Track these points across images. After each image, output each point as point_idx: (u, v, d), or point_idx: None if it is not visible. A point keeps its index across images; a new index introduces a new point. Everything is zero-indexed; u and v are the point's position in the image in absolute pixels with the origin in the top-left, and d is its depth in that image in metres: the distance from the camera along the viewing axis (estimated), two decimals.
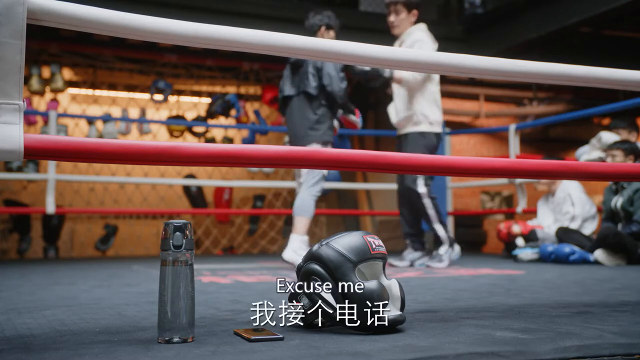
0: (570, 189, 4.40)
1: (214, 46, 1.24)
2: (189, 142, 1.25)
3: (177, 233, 1.16)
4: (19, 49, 0.99)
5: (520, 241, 4.53)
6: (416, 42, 3.69)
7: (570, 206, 4.35)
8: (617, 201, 4.04)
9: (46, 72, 6.49)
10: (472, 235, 7.74)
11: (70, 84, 6.84)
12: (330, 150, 1.41)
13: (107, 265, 4.22)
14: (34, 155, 1.06)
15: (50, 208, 4.69)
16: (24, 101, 1.02)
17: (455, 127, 7.69)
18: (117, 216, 7.15)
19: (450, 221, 6.21)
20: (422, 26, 3.83)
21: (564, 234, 4.19)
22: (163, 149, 1.20)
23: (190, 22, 1.21)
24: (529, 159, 5.97)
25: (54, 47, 6.22)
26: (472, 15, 6.63)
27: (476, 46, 6.46)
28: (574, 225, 4.31)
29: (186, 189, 7.19)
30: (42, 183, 5.83)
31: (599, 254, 3.82)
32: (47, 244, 6.37)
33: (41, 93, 6.44)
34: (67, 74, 6.81)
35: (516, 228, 4.54)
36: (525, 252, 4.23)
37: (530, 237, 4.42)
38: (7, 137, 1.00)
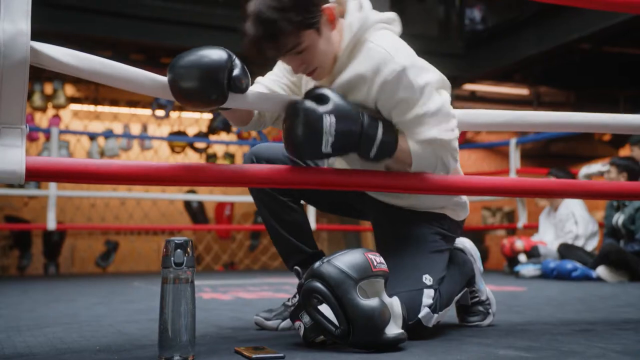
0: (573, 207, 4.39)
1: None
2: (190, 162, 1.26)
3: (178, 250, 1.16)
4: (22, 76, 1.00)
5: (522, 257, 4.51)
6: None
7: (573, 225, 4.33)
8: (619, 218, 4.03)
9: (49, 88, 6.52)
10: None
11: (73, 100, 6.87)
12: (321, 169, 1.41)
13: (107, 282, 4.21)
14: (36, 177, 1.07)
15: (51, 224, 4.69)
16: (26, 125, 1.03)
17: None
18: (118, 232, 7.14)
19: None
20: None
21: (566, 251, 4.18)
22: (165, 170, 1.20)
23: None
24: (531, 173, 5.97)
25: None
26: (472, 32, 6.66)
27: (477, 62, 6.49)
28: (577, 244, 4.30)
29: (187, 205, 7.19)
30: (44, 199, 5.83)
31: (601, 271, 3.80)
32: (47, 260, 6.36)
33: (43, 109, 6.47)
34: (70, 90, 6.84)
35: (519, 244, 4.52)
36: (528, 269, 4.21)
37: (533, 253, 4.41)
38: (9, 159, 1.01)
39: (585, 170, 4.80)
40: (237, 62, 1.21)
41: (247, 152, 1.63)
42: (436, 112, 1.39)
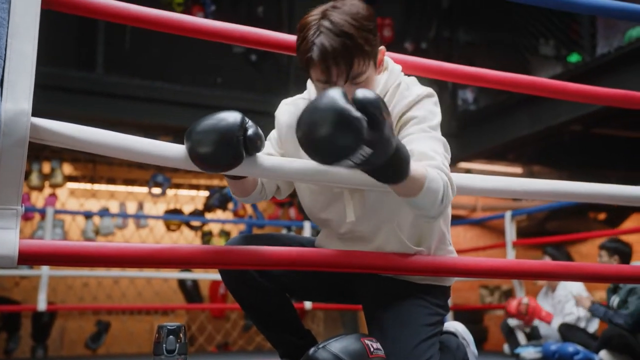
0: (572, 287, 4.34)
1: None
2: (186, 244, 1.24)
3: (171, 337, 1.14)
4: (20, 157, 1.02)
5: (522, 339, 4.42)
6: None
7: (573, 306, 4.28)
8: (614, 301, 3.99)
9: (46, 167, 6.57)
10: (472, 331, 7.50)
11: (70, 178, 6.91)
12: (305, 250, 1.40)
13: None
14: (29, 260, 1.06)
15: (42, 305, 4.59)
16: (22, 206, 1.03)
17: (451, 220, 7.71)
18: (110, 312, 7.00)
19: (449, 316, 6.08)
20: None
21: (568, 332, 4.10)
22: (162, 251, 1.19)
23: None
24: (527, 244, 5.93)
25: None
26: (464, 112, 6.82)
27: (470, 142, 6.60)
28: (578, 325, 4.22)
29: (181, 283, 7.09)
30: (35, 279, 5.76)
31: (604, 355, 3.72)
32: (35, 343, 6.18)
33: (40, 188, 6.49)
34: (67, 168, 6.89)
35: (525, 301, 4.36)
36: (528, 351, 4.12)
37: (533, 335, 4.32)
38: (2, 242, 1.01)
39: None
40: (251, 123, 1.21)
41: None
42: (441, 140, 1.37)
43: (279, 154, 1.58)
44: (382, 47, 1.40)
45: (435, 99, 1.44)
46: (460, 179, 1.47)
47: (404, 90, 1.43)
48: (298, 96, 1.61)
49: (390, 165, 1.13)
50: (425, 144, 1.32)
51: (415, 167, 1.21)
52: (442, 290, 1.57)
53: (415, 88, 1.43)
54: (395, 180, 1.18)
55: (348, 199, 1.48)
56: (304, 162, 1.30)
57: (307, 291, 1.68)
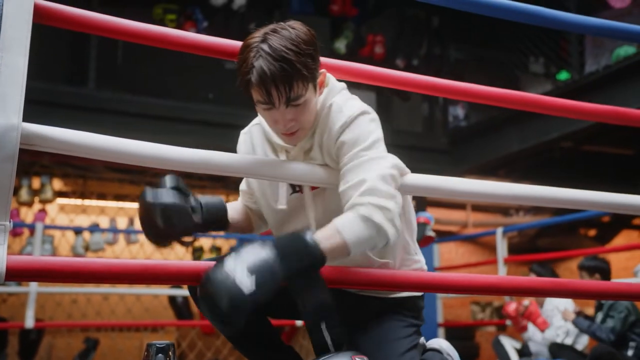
0: (558, 303, 4.33)
1: (209, 172, 1.27)
2: (177, 261, 1.22)
3: (160, 355, 1.13)
4: (9, 172, 1.01)
5: (513, 355, 4.41)
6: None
7: (561, 320, 4.27)
8: (599, 317, 3.99)
9: (36, 182, 6.52)
10: (463, 348, 7.48)
11: (60, 194, 6.86)
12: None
13: None
14: (17, 277, 1.04)
15: (29, 322, 4.53)
16: (10, 221, 1.02)
17: (443, 236, 7.72)
18: (99, 329, 6.92)
19: (441, 333, 6.05)
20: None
21: (557, 351, 4.09)
22: (152, 267, 1.18)
23: (185, 149, 1.24)
24: (519, 261, 5.94)
25: (46, 159, 6.30)
26: (456, 128, 6.85)
27: (461, 158, 6.63)
28: (568, 341, 4.21)
29: (172, 299, 7.03)
30: (23, 295, 5.69)
31: None
32: None
33: (29, 204, 6.44)
34: (57, 184, 6.85)
35: (526, 303, 4.31)
36: None
37: (524, 352, 4.31)
38: None
39: None
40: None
41: None
42: (378, 158, 1.32)
43: (247, 184, 1.63)
44: (323, 70, 1.40)
45: (371, 115, 1.38)
46: (455, 183, 1.47)
47: (335, 112, 1.38)
48: (252, 123, 1.61)
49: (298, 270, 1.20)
50: (355, 175, 1.30)
51: (326, 235, 1.23)
52: (414, 300, 1.56)
53: (346, 109, 1.38)
54: (316, 265, 1.22)
55: (311, 214, 1.46)
56: (255, 158, 1.45)
57: (280, 309, 1.60)
